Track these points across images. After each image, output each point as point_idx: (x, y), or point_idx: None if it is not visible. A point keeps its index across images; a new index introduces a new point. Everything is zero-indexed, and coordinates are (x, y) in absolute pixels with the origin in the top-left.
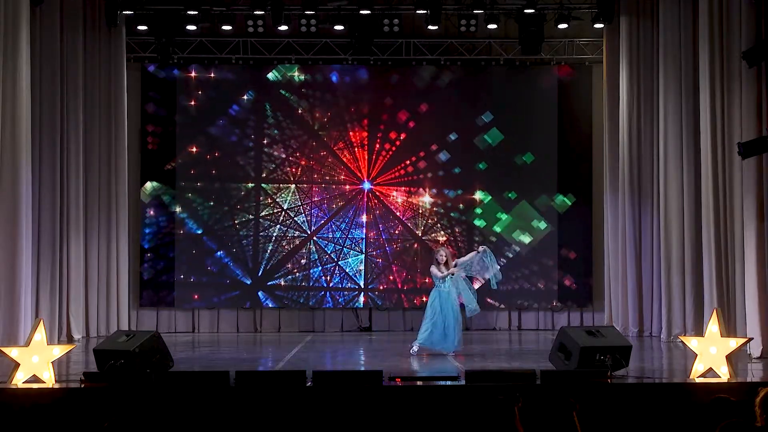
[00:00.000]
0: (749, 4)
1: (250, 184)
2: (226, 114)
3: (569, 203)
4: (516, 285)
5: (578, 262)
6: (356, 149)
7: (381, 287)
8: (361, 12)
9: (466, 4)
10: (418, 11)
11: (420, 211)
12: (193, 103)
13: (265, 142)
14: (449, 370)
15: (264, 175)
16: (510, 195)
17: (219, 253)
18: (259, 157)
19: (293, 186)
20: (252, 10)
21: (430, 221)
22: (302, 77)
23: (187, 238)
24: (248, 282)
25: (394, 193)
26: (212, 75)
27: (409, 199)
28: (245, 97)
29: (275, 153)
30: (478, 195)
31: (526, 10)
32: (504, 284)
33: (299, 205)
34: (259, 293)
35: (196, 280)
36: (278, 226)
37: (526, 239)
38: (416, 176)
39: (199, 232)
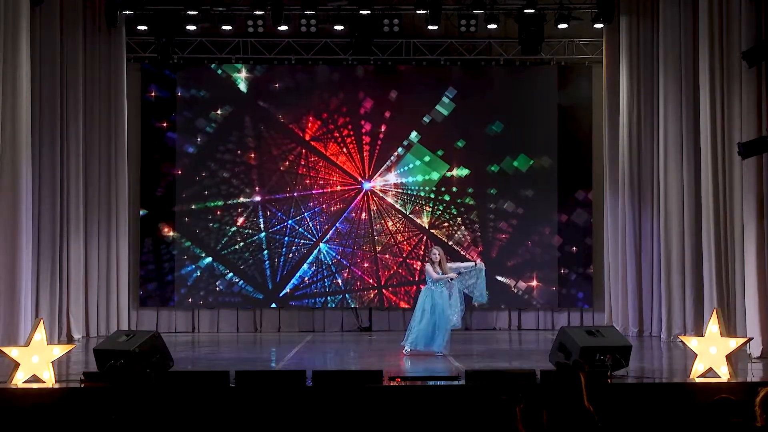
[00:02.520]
0: (749, 4)
1: (242, 199)
2: (204, 133)
3: (532, 163)
4: (519, 258)
5: (574, 226)
6: (345, 150)
7: (395, 281)
8: (361, 12)
9: (466, 4)
10: (418, 11)
11: (422, 202)
12: (165, 124)
13: (252, 155)
14: (449, 370)
15: (257, 188)
16: (493, 168)
17: (222, 269)
18: (249, 172)
19: (290, 195)
20: (252, 10)
21: (435, 210)
22: (249, 76)
23: (191, 263)
24: (260, 297)
25: (394, 189)
26: (179, 94)
27: (410, 193)
28: (219, 112)
29: (266, 165)
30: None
31: (526, 10)
32: (507, 258)
33: (302, 216)
34: (273, 306)
35: (206, 302)
36: (284, 237)
37: (517, 209)
38: (411, 169)
39: (203, 254)
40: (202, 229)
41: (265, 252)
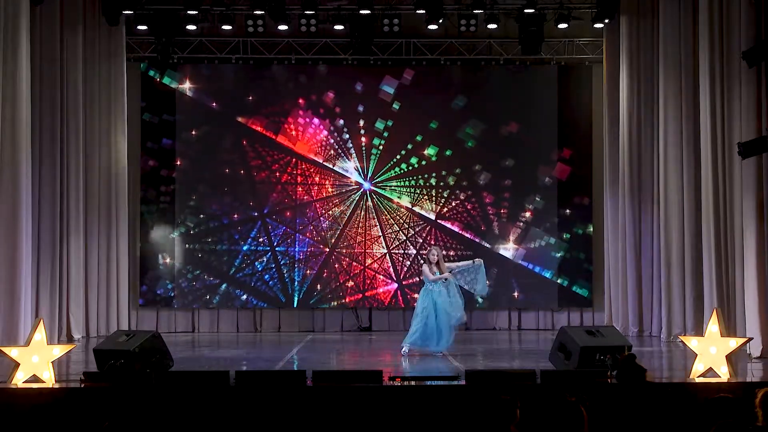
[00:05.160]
0: (749, 4)
1: (242, 217)
2: (185, 156)
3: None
4: (519, 230)
5: (570, 184)
6: (333, 152)
7: (411, 274)
8: (361, 12)
9: (466, 4)
10: (418, 11)
11: (420, 192)
12: (140, 155)
13: (242, 172)
14: (449, 370)
15: (252, 203)
16: (470, 143)
17: (235, 291)
18: (243, 188)
19: (290, 206)
20: (252, 10)
21: (437, 199)
22: (185, 84)
23: (204, 289)
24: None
25: (391, 183)
26: (147, 119)
27: (410, 187)
28: (193, 132)
29: (263, 180)
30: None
31: (526, 10)
32: (508, 232)
33: (306, 225)
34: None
35: (206, 303)
36: (295, 251)
37: (505, 181)
38: (407, 163)
39: (217, 279)
40: (205, 253)
41: (280, 268)
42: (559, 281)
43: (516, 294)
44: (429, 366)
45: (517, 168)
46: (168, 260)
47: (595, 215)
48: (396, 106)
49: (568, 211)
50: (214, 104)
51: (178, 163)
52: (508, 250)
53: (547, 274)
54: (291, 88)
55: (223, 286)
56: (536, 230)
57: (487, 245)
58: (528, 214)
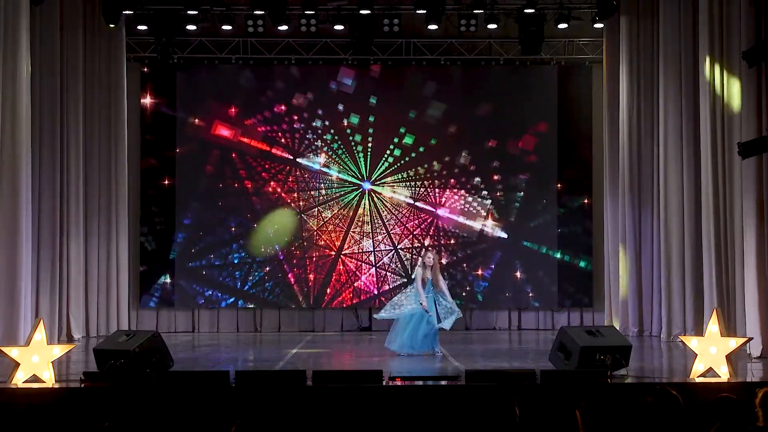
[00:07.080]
0: (749, 4)
1: (242, 230)
2: (174, 175)
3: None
4: (515, 210)
5: (565, 163)
6: (324, 155)
7: None
8: (361, 12)
9: (466, 4)
10: (418, 11)
11: (423, 190)
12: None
13: (236, 185)
14: (449, 370)
15: (249, 215)
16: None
17: (246, 305)
18: (242, 201)
19: (297, 216)
20: (252, 10)
21: (438, 191)
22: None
23: (213, 309)
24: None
25: (391, 180)
26: (145, 137)
27: (407, 180)
28: (179, 148)
29: (258, 190)
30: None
31: (526, 10)
32: (506, 213)
33: (310, 230)
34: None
35: (206, 303)
36: (301, 258)
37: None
38: (405, 160)
39: (226, 295)
40: (208, 269)
41: (289, 278)
42: (558, 256)
43: (518, 273)
44: (429, 366)
45: (506, 151)
46: (168, 281)
47: (596, 215)
48: (373, 100)
49: (559, 185)
50: (196, 120)
51: (167, 182)
52: (506, 230)
53: (547, 251)
54: (270, 95)
55: (231, 299)
56: (532, 209)
57: (487, 229)
58: (522, 194)
